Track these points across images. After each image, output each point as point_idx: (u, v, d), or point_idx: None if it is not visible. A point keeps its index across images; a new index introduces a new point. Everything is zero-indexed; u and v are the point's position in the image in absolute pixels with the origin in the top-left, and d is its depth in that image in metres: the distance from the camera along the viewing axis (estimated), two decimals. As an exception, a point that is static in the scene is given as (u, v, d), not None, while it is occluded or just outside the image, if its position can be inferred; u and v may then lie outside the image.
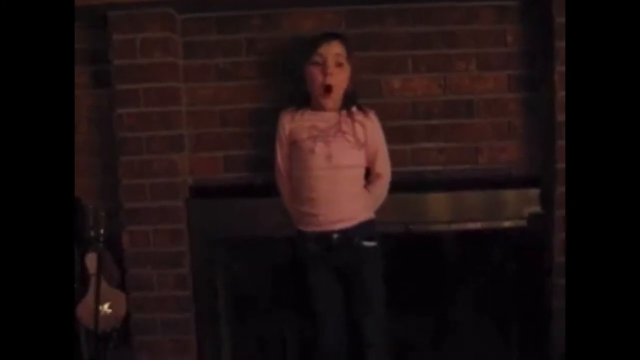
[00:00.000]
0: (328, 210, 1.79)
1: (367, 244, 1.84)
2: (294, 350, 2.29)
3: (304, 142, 1.82)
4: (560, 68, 1.96)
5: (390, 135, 1.96)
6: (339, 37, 1.85)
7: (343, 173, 1.81)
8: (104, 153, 2.20)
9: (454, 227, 2.11)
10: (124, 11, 2.00)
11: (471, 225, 2.10)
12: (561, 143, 1.99)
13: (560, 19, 1.93)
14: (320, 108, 1.85)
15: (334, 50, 1.80)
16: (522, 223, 2.09)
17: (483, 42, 2.09)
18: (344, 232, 1.81)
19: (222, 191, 2.15)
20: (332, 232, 1.80)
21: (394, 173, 1.95)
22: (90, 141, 2.21)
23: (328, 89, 1.79)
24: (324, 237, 1.81)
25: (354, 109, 1.87)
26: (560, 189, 2.00)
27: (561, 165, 1.97)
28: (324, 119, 1.84)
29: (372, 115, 1.89)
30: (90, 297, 2.13)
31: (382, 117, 1.92)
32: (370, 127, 1.87)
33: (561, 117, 1.98)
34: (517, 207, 2.09)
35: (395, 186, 1.96)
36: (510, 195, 2.09)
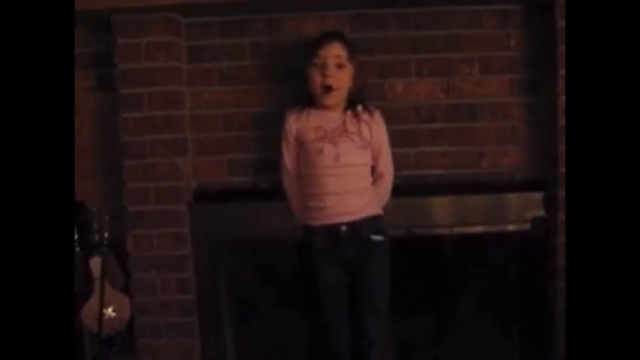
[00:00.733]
0: (336, 203, 1.79)
1: (375, 237, 1.83)
2: (298, 354, 2.29)
3: (312, 143, 1.83)
4: (562, 72, 1.96)
5: (394, 139, 1.97)
6: (340, 37, 1.85)
7: (351, 170, 1.82)
8: (108, 156, 2.20)
9: (457, 230, 2.11)
10: (128, 15, 2.01)
11: (474, 229, 2.10)
12: (564, 147, 1.98)
13: (562, 23, 1.93)
14: (323, 107, 1.85)
15: (333, 52, 1.80)
16: (525, 227, 2.09)
17: (486, 46, 2.10)
18: (352, 225, 1.81)
19: (225, 195, 2.15)
20: (340, 224, 1.80)
21: (397, 177, 1.95)
22: (94, 145, 2.22)
23: (328, 89, 1.80)
24: (332, 231, 1.81)
25: (359, 108, 1.87)
26: (564, 193, 2.00)
27: (564, 169, 1.97)
28: (330, 120, 1.84)
29: (378, 115, 1.90)
30: (94, 300, 2.13)
31: (386, 121, 1.93)
32: (375, 127, 1.87)
33: (564, 121, 1.96)
34: (520, 210, 2.09)
35: (399, 190, 1.96)
36: (513, 199, 2.10)
